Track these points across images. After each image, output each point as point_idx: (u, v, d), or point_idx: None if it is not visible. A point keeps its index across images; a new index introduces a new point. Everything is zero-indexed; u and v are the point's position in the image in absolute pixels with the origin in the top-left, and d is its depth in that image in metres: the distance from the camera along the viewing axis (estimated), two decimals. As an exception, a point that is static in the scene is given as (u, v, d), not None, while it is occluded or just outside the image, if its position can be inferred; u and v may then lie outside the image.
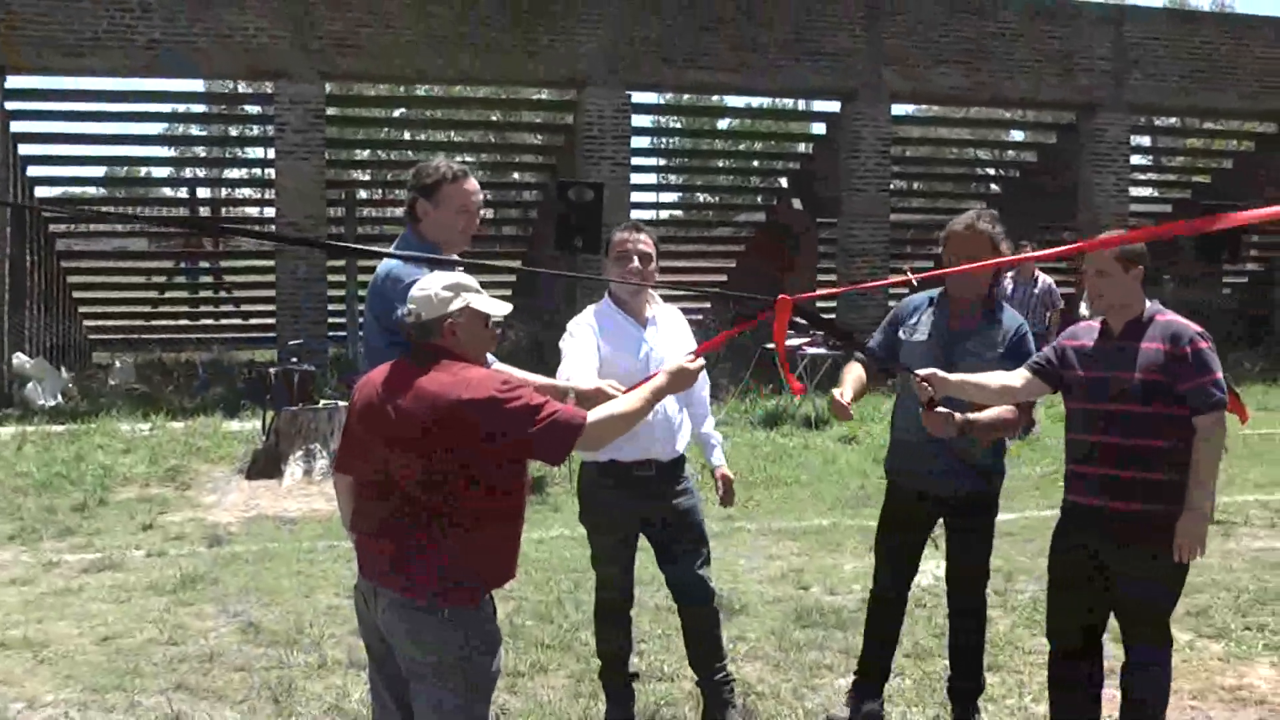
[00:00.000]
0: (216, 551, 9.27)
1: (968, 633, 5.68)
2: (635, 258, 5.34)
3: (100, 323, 26.40)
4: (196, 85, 27.27)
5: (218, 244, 25.94)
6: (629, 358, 5.27)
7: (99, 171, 27.48)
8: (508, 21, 19.02)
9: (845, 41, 20.58)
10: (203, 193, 31.61)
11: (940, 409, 5.01)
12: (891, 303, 6.09)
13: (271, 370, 14.62)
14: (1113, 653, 5.19)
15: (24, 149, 21.38)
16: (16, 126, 20.55)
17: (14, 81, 18.84)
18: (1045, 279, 14.26)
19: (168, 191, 32.40)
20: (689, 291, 21.56)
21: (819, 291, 20.40)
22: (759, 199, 28.23)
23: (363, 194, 27.85)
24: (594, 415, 3.91)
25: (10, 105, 19.23)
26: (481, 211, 4.91)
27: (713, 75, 20.34)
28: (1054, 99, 22.56)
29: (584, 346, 5.23)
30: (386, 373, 3.92)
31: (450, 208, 4.74)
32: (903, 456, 5.68)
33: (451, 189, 4.74)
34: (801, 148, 26.56)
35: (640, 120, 24.27)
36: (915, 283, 5.36)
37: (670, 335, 5.48)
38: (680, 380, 4.32)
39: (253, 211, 33.36)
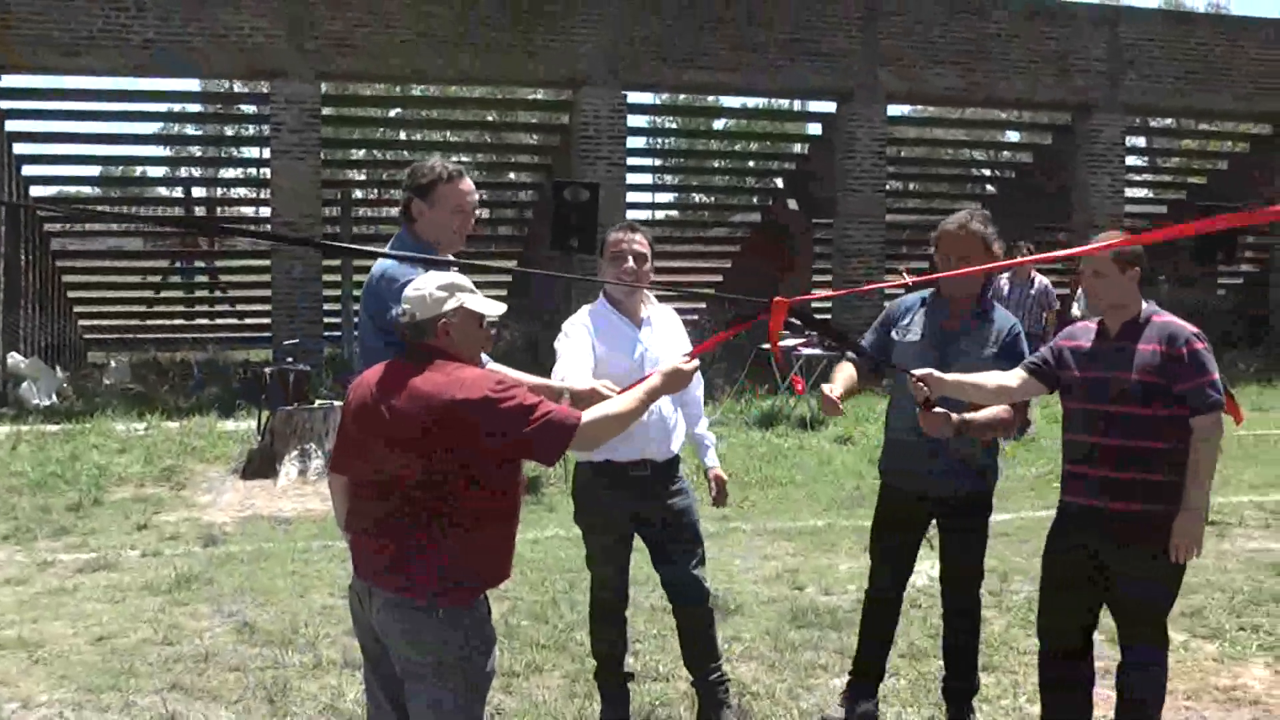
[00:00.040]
0: (211, 551, 9.26)
1: (962, 633, 5.69)
2: (630, 258, 5.34)
3: (95, 322, 26.40)
4: (192, 85, 27.19)
5: (213, 243, 25.95)
6: (624, 358, 5.27)
7: (94, 171, 27.40)
8: (504, 22, 19.02)
9: (841, 42, 20.59)
10: (198, 192, 31.61)
11: (937, 409, 5.02)
12: (886, 303, 6.08)
13: (267, 370, 14.60)
14: (1106, 653, 5.20)
15: (19, 148, 21.37)
16: (11, 125, 20.56)
17: (9, 80, 18.86)
18: (1042, 280, 14.26)
19: (163, 191, 32.43)
20: (684, 292, 21.54)
21: (815, 294, 20.42)
22: (754, 199, 28.25)
23: (358, 194, 27.86)
24: (588, 415, 3.91)
25: (5, 104, 19.24)
26: (477, 211, 4.91)
27: (709, 75, 20.35)
28: (1049, 100, 22.59)
29: (579, 347, 5.23)
30: (381, 373, 3.92)
31: (445, 207, 4.74)
32: (897, 456, 5.68)
33: (447, 189, 4.74)
34: (797, 148, 26.57)
35: (636, 120, 24.31)
36: (911, 284, 5.36)
37: (665, 335, 5.48)
38: (675, 381, 4.32)
39: (248, 211, 33.36)
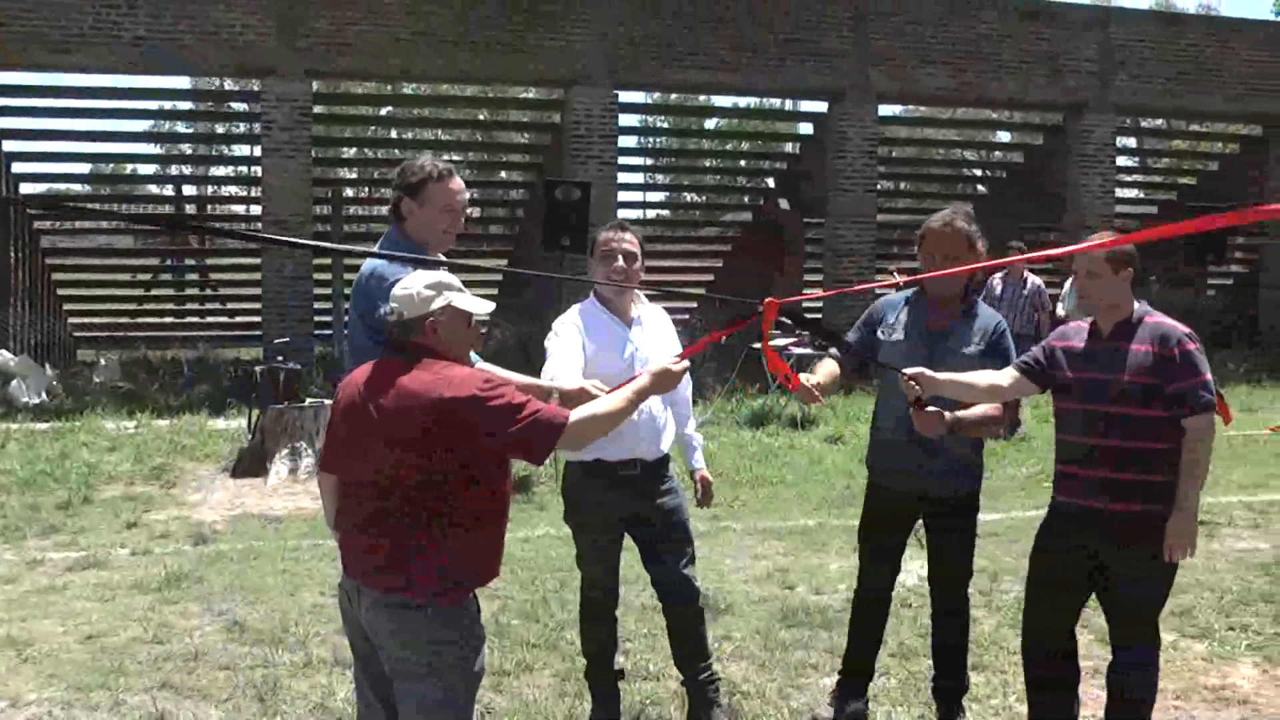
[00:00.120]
0: (201, 550, 9.25)
1: (951, 632, 5.69)
2: (620, 257, 5.34)
3: (85, 320, 26.34)
4: (183, 83, 27.12)
5: (204, 241, 25.90)
6: (614, 357, 5.27)
7: (84, 168, 27.36)
8: (495, 21, 19.00)
9: (833, 42, 20.60)
10: (189, 190, 31.59)
11: (930, 408, 5.03)
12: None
13: (257, 368, 14.59)
14: (1095, 652, 5.21)
15: (8, 145, 21.34)
16: (1, 123, 20.51)
17: (-1, 77, 18.81)
18: (1034, 280, 14.29)
19: (153, 189, 32.36)
20: (675, 292, 21.55)
21: (807, 295, 20.43)
22: (746, 199, 28.25)
23: (349, 192, 27.82)
24: (576, 414, 3.92)
25: (-5, 101, 19.20)
26: (467, 210, 4.91)
27: (700, 75, 20.35)
28: (1041, 100, 22.62)
29: (569, 346, 5.22)
30: (369, 372, 3.93)
31: (435, 206, 4.74)
32: (885, 455, 5.68)
33: (436, 188, 4.74)
34: (788, 148, 26.58)
35: (627, 119, 24.30)
36: (902, 284, 5.37)
37: (655, 335, 5.48)
38: (664, 382, 4.32)
39: (239, 209, 33.31)
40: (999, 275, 14.17)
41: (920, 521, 5.71)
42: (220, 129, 28.38)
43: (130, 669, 6.47)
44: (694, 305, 23.25)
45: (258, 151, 19.99)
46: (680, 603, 5.52)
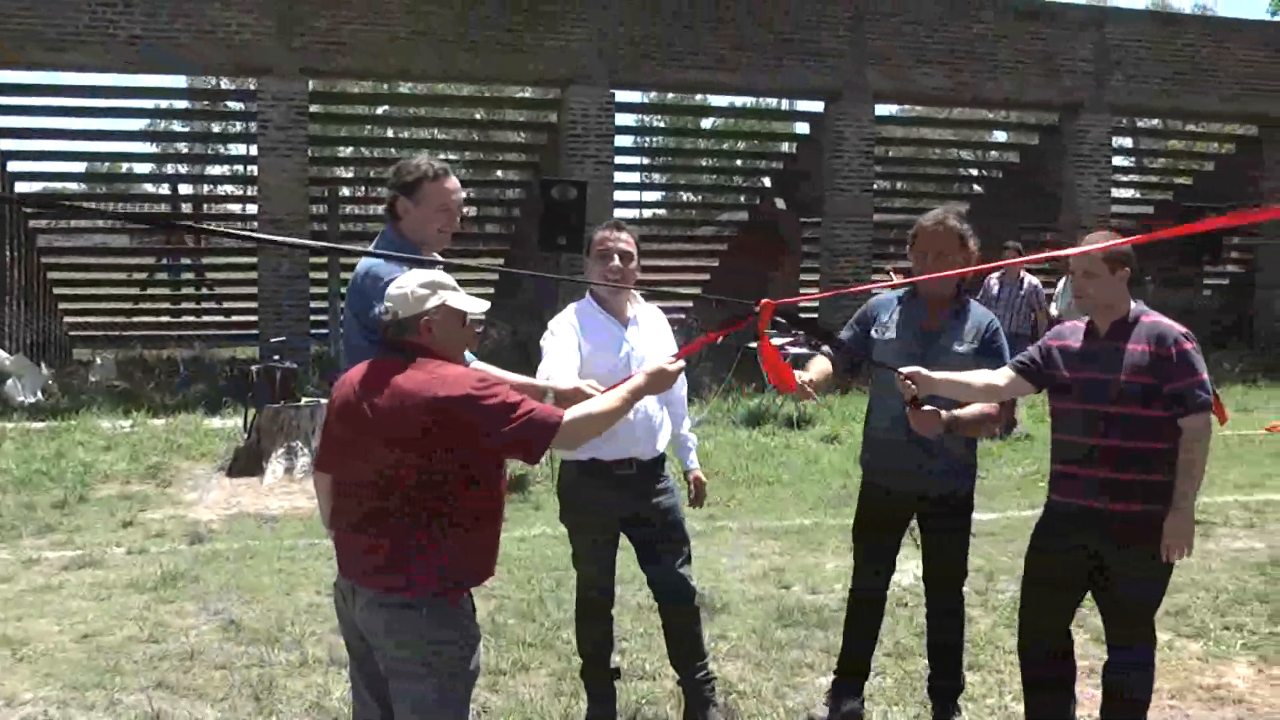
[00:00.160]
0: (197, 549, 9.25)
1: (947, 632, 5.70)
2: (616, 256, 5.35)
3: (81, 319, 26.33)
4: (179, 81, 27.13)
5: (199, 240, 25.90)
6: (610, 356, 5.27)
7: (80, 167, 27.35)
8: (492, 20, 19.00)
9: (830, 42, 20.62)
10: (185, 189, 31.59)
11: (926, 407, 5.03)
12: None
13: (253, 367, 14.58)
14: (1090, 651, 5.21)
15: (4, 144, 21.32)
16: (-2, 121, 20.52)
17: (-4, 76, 18.79)
18: (1031, 280, 14.29)
19: (149, 188, 32.35)
20: (671, 293, 21.55)
21: (804, 295, 20.44)
22: (742, 199, 28.26)
23: (345, 191, 27.80)
24: (571, 414, 3.92)
25: (-8, 100, 19.18)
26: (463, 210, 4.91)
27: (697, 74, 20.36)
28: (1037, 100, 22.65)
29: (565, 345, 5.22)
30: (364, 371, 3.93)
31: (430, 206, 4.74)
32: (878, 455, 5.69)
33: (432, 187, 4.73)
34: (785, 147, 26.58)
35: (624, 119, 24.29)
36: (900, 284, 5.38)
37: (652, 335, 5.49)
38: (659, 381, 4.32)
39: (235, 208, 33.28)
40: (996, 275, 14.18)
41: (915, 521, 5.71)
42: (216, 128, 28.39)
43: (126, 668, 6.47)
44: (690, 305, 23.26)
45: (254, 150, 20.00)
46: (676, 602, 5.52)
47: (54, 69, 18.74)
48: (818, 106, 22.52)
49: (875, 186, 22.66)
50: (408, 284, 3.89)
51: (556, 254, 15.43)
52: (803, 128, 26.63)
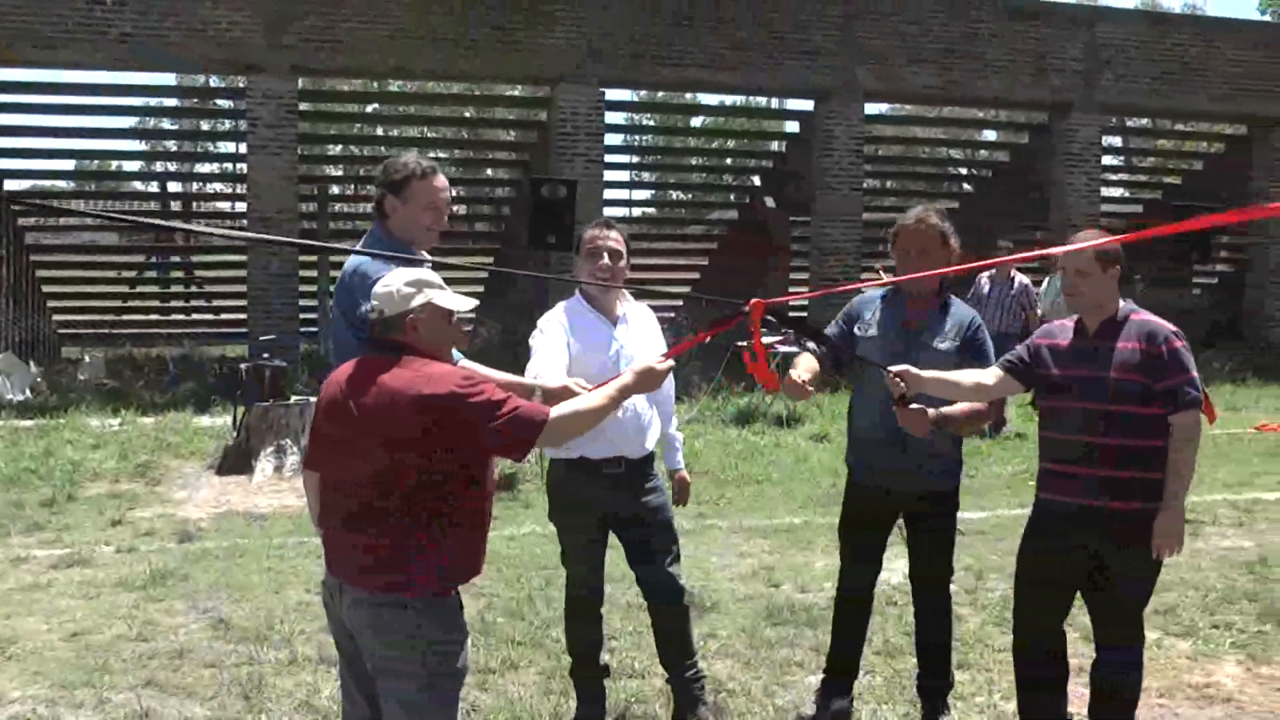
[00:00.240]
0: (186, 547, 9.23)
1: (935, 630, 5.70)
2: (605, 255, 5.35)
3: (70, 317, 26.24)
4: (169, 79, 27.08)
5: (189, 239, 25.84)
6: (600, 355, 5.27)
7: (69, 165, 27.31)
8: (483, 19, 18.97)
9: (820, 40, 20.61)
10: (174, 187, 31.50)
11: (914, 405, 5.04)
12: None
13: (243, 366, 14.55)
14: (1079, 650, 5.22)
15: (-7, 142, 21.29)
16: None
17: (-16, 74, 18.75)
18: (1022, 279, 14.32)
19: (139, 185, 32.27)
20: (661, 292, 21.56)
21: (794, 295, 20.43)
22: (732, 197, 28.27)
23: (335, 189, 27.77)
24: (557, 411, 3.93)
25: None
26: (452, 208, 4.90)
27: (687, 73, 20.35)
28: (1027, 99, 22.66)
29: (554, 344, 5.22)
30: (351, 370, 3.93)
31: (418, 204, 4.74)
32: (863, 454, 5.69)
33: (420, 185, 4.73)
34: (775, 146, 26.59)
35: (614, 117, 24.26)
36: (890, 283, 5.38)
37: (641, 333, 5.49)
38: (647, 380, 4.31)
39: (224, 206, 33.22)
40: (986, 275, 14.20)
41: (901, 519, 5.72)
42: (206, 126, 28.34)
43: (115, 667, 6.46)
44: (680, 303, 23.25)
45: (243, 148, 19.97)
46: (665, 601, 5.52)
47: (45, 66, 18.73)
48: (808, 105, 22.52)
49: (865, 185, 22.65)
50: (393, 282, 3.89)
51: (546, 252, 15.43)
52: (792, 126, 26.65)
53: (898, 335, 5.49)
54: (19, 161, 23.67)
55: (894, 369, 4.98)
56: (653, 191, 32.70)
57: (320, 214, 21.64)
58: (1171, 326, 4.88)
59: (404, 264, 4.25)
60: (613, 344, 5.35)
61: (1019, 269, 14.59)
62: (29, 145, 23.36)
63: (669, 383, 5.46)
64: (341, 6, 18.35)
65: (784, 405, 15.30)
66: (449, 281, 4.05)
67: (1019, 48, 21.76)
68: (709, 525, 9.89)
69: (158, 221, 22.09)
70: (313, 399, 12.42)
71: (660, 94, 25.47)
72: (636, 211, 30.40)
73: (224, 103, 30.18)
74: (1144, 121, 37.28)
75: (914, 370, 4.98)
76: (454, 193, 4.92)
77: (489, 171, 33.55)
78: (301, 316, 19.82)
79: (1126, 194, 31.54)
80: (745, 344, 5.22)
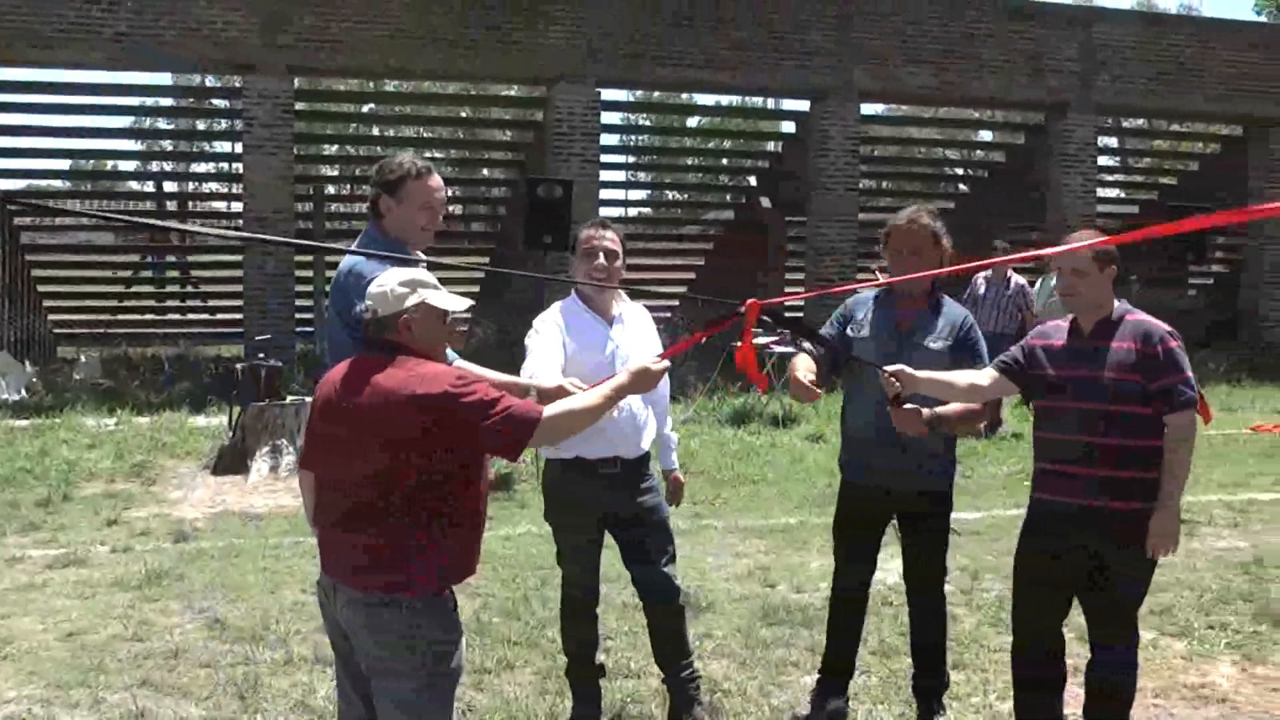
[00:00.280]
0: (182, 547, 9.23)
1: (930, 630, 5.70)
2: (601, 255, 5.35)
3: (65, 317, 26.24)
4: (164, 79, 27.10)
5: (184, 238, 25.83)
6: (595, 355, 5.27)
7: (65, 164, 27.31)
8: (479, 18, 18.97)
9: (816, 40, 20.62)
10: (169, 186, 31.53)
11: (908, 405, 5.04)
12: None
13: (238, 365, 14.56)
14: (1074, 650, 5.22)
15: (-11, 141, 21.27)
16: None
17: (-20, 73, 18.74)
18: (1018, 280, 14.31)
19: (134, 185, 32.25)
20: (656, 292, 21.56)
21: (790, 295, 20.42)
22: (728, 197, 28.27)
23: (331, 189, 27.76)
24: (551, 410, 3.92)
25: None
26: (448, 208, 4.90)
27: (683, 73, 20.36)
28: (1023, 99, 22.68)
29: (549, 343, 5.22)
30: (345, 369, 3.93)
31: (413, 204, 4.73)
32: (856, 454, 5.69)
33: (415, 185, 4.73)
34: (771, 146, 26.58)
35: (610, 117, 24.25)
36: (885, 284, 5.38)
37: (637, 333, 5.49)
38: (642, 381, 4.31)
39: (220, 206, 33.19)
40: (983, 275, 14.20)
41: (895, 519, 5.72)
42: (201, 125, 28.32)
43: (110, 667, 6.45)
44: (676, 303, 23.26)
45: (239, 148, 19.96)
46: (661, 601, 5.52)
47: (41, 66, 18.70)
48: (804, 105, 22.53)
49: (861, 186, 22.67)
50: (387, 282, 3.89)
51: (542, 253, 15.41)
52: (788, 127, 26.66)
53: (890, 336, 5.50)
54: (14, 161, 23.67)
55: (889, 368, 4.98)
56: (649, 191, 32.75)
57: (316, 214, 21.63)
58: (1166, 326, 4.88)
59: (399, 264, 4.25)
60: (608, 344, 5.35)
61: (1015, 270, 14.58)
62: (24, 145, 23.36)
63: (664, 383, 5.46)
64: (340, 6, 18.36)
65: (780, 405, 15.31)
66: (444, 281, 4.05)
67: (1015, 48, 21.78)
68: (705, 525, 9.89)
69: (153, 221, 22.00)
70: (308, 399, 12.43)
71: (656, 94, 25.47)
72: (632, 211, 30.41)
73: (220, 102, 30.19)
74: (1140, 122, 37.29)
75: (908, 370, 4.98)
76: (450, 192, 4.93)
77: (485, 171, 33.55)
78: (297, 316, 19.83)
79: (1122, 194, 31.57)
80: (738, 343, 5.19)
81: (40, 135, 23.28)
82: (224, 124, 25.24)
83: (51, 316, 25.82)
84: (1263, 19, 43.69)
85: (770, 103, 45.60)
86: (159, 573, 8.24)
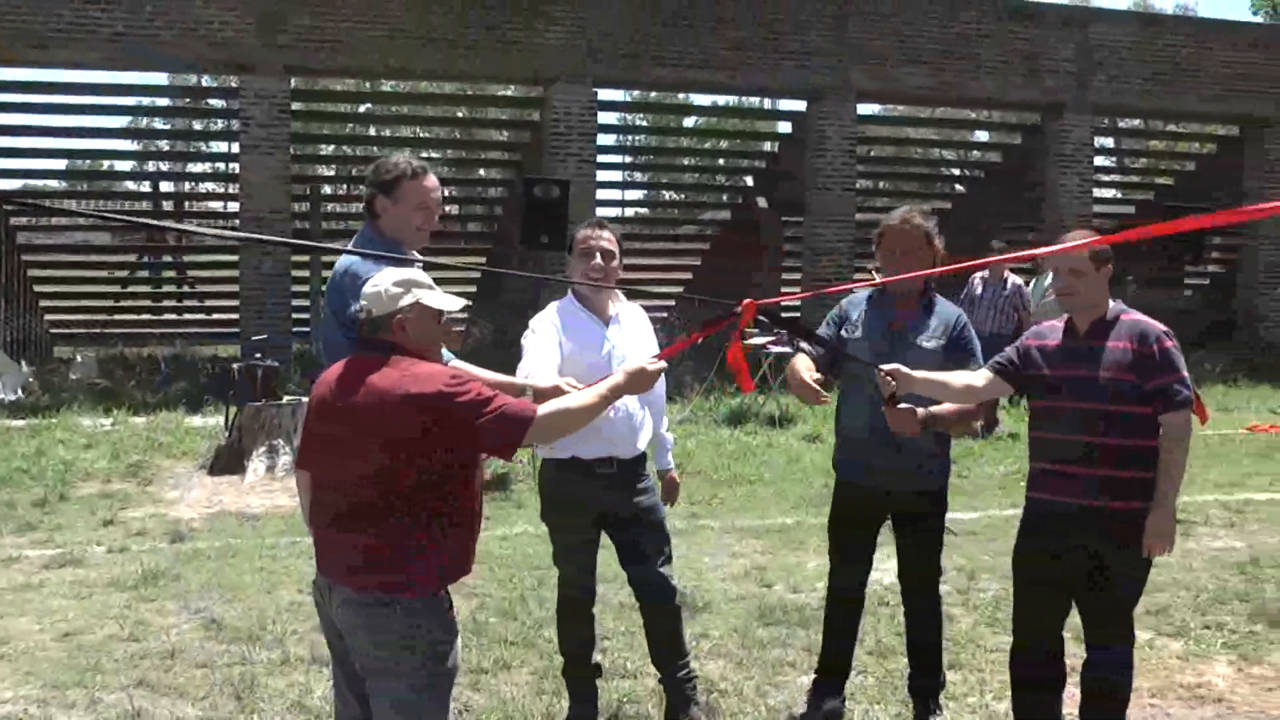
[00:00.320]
0: (178, 547, 9.22)
1: (926, 630, 5.71)
2: (598, 255, 5.35)
3: (62, 317, 26.22)
4: (161, 79, 27.12)
5: (181, 238, 25.81)
6: (592, 354, 5.28)
7: (61, 164, 27.30)
8: (476, 18, 18.97)
9: (813, 40, 20.63)
10: (166, 186, 31.50)
11: (903, 405, 5.04)
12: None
13: (235, 365, 14.55)
14: (1070, 650, 5.22)
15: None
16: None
17: (-24, 73, 18.73)
18: (1015, 280, 14.32)
19: (131, 185, 32.24)
20: (653, 292, 21.56)
21: (786, 295, 20.43)
22: (724, 197, 28.27)
23: (328, 189, 27.74)
24: (545, 409, 3.93)
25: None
26: (444, 208, 4.91)
27: (680, 73, 20.35)
28: (1019, 100, 22.69)
29: (546, 343, 5.22)
30: (340, 369, 3.93)
31: (409, 204, 4.74)
32: (851, 454, 5.69)
33: (411, 185, 4.74)
34: (767, 146, 26.57)
35: (606, 117, 24.24)
36: (882, 284, 5.39)
37: (633, 333, 5.49)
38: (639, 381, 4.30)
39: (217, 205, 33.17)
40: (980, 275, 14.21)
41: (890, 519, 5.73)
42: (198, 125, 28.32)
43: (106, 667, 6.45)
44: (673, 303, 23.25)
45: (236, 148, 19.95)
46: (657, 601, 5.52)
47: (37, 66, 18.68)
48: (800, 105, 22.53)
49: (857, 186, 22.68)
50: (382, 282, 3.90)
51: (540, 253, 15.43)
52: (785, 127, 26.65)
53: (883, 335, 5.50)
54: (11, 161, 23.64)
55: (886, 367, 4.99)
56: (645, 191, 32.76)
57: (313, 214, 21.61)
58: (1162, 326, 4.88)
59: (395, 264, 4.25)
60: (605, 344, 5.35)
61: (1012, 270, 14.59)
62: (21, 144, 23.33)
63: (661, 383, 5.46)
64: (338, 6, 18.35)
65: (776, 406, 15.31)
66: (440, 281, 4.05)
67: (1012, 49, 21.79)
68: (701, 525, 9.89)
69: (150, 221, 21.99)
70: (305, 399, 12.42)
71: (653, 94, 25.46)
72: (629, 211, 30.44)
73: (216, 102, 30.22)
74: (1136, 122, 37.28)
75: (904, 370, 4.98)
76: (447, 192, 4.94)
77: (482, 171, 33.53)
78: (294, 316, 19.80)
79: (1119, 195, 31.56)
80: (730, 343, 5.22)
81: (37, 135, 23.26)
82: (221, 124, 25.24)
83: (48, 316, 25.80)
84: (1259, 19, 43.75)
85: (767, 103, 45.64)
86: (155, 573, 8.24)
